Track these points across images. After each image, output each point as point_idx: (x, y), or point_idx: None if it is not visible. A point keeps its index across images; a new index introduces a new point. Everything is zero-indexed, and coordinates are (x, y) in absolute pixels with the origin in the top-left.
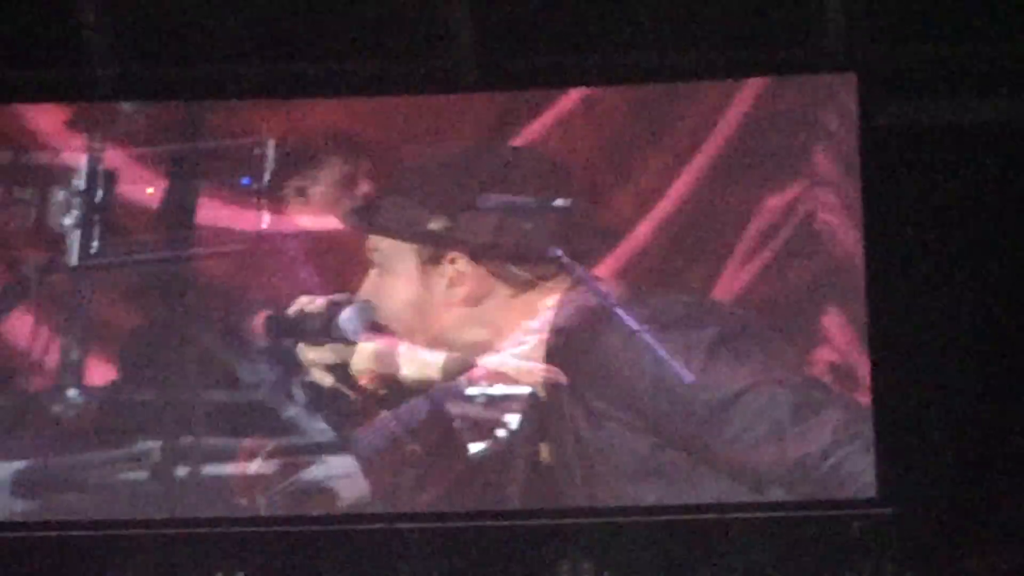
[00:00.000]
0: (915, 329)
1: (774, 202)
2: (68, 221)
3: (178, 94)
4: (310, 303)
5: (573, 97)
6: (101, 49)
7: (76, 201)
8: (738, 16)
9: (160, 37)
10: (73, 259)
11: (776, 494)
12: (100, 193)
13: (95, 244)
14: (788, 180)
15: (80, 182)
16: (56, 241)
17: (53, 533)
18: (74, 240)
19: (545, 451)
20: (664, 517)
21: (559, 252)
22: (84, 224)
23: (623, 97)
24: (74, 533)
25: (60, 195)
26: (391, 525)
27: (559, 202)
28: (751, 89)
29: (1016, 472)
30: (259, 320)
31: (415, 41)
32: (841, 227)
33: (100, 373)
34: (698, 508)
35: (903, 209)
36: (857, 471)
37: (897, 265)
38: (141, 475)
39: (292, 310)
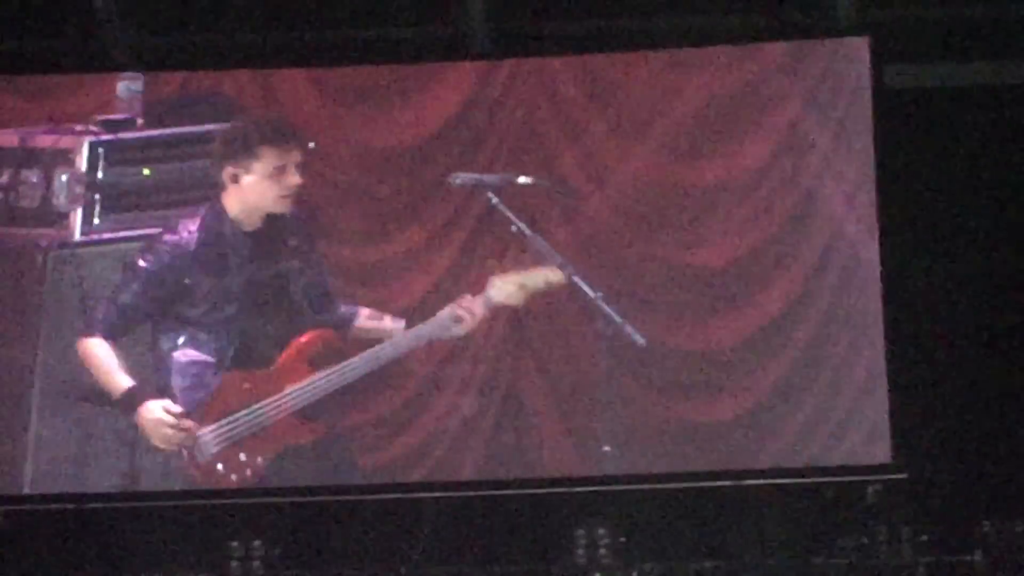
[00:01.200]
0: (929, 294)
1: (752, 166)
2: (70, 201)
3: (187, 64)
4: None
5: (549, 66)
6: (112, 19)
7: (78, 182)
8: None
9: (173, 6)
10: (76, 235)
11: (743, 462)
12: (100, 174)
13: (97, 221)
14: (768, 143)
15: (82, 163)
16: (60, 219)
17: (69, 506)
18: (76, 218)
19: (505, 420)
20: (680, 484)
21: (522, 225)
22: (87, 203)
23: (615, 64)
24: (92, 506)
25: (63, 176)
26: (407, 494)
27: (522, 179)
28: (730, 55)
29: None
30: None
31: (425, 8)
32: (827, 193)
33: None
34: (714, 475)
35: (916, 172)
36: (837, 438)
37: (910, 228)
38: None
39: None
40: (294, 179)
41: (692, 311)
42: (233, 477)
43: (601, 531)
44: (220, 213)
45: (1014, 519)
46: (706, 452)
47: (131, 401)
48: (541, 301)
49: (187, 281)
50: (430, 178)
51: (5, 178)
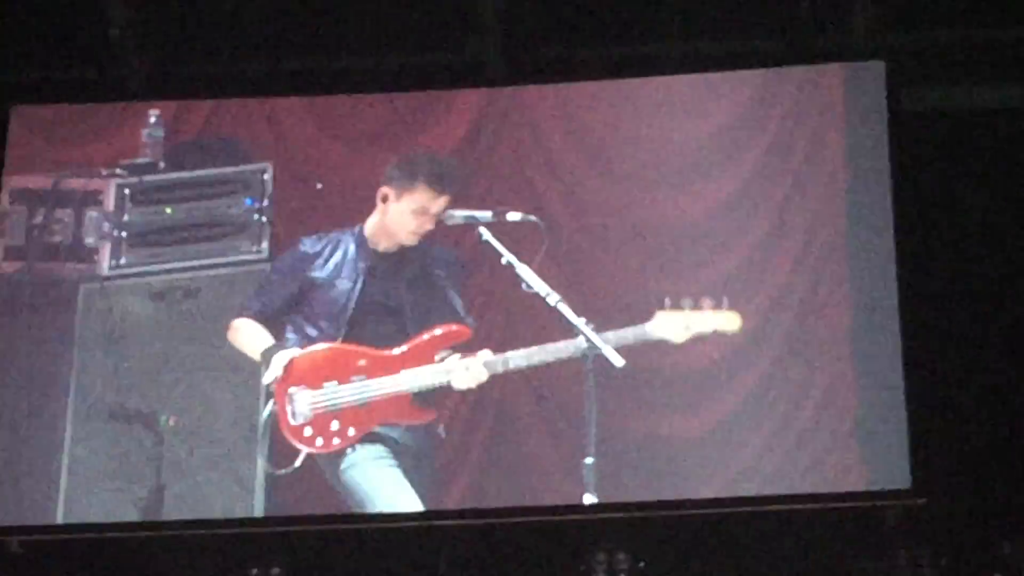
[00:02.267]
0: (946, 318)
1: (725, 196)
2: (99, 238)
3: (205, 93)
4: None
5: (533, 106)
6: (129, 49)
7: (106, 220)
8: (764, 6)
9: (189, 35)
10: (104, 269)
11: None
12: (126, 214)
13: (123, 258)
14: (743, 171)
15: (109, 203)
16: (90, 254)
17: (88, 535)
18: (104, 254)
19: (494, 444)
20: (700, 510)
21: (511, 257)
22: (113, 240)
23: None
24: (110, 535)
25: (93, 215)
26: (427, 522)
27: (511, 216)
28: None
29: None
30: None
31: (441, 34)
32: (795, 215)
33: None
34: (733, 500)
35: (931, 197)
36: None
37: (926, 253)
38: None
39: None
40: (427, 224)
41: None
42: (319, 442)
43: (620, 556)
44: (359, 228)
45: None
46: (680, 465)
47: (269, 356)
48: (529, 328)
49: (309, 275)
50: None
51: (39, 217)
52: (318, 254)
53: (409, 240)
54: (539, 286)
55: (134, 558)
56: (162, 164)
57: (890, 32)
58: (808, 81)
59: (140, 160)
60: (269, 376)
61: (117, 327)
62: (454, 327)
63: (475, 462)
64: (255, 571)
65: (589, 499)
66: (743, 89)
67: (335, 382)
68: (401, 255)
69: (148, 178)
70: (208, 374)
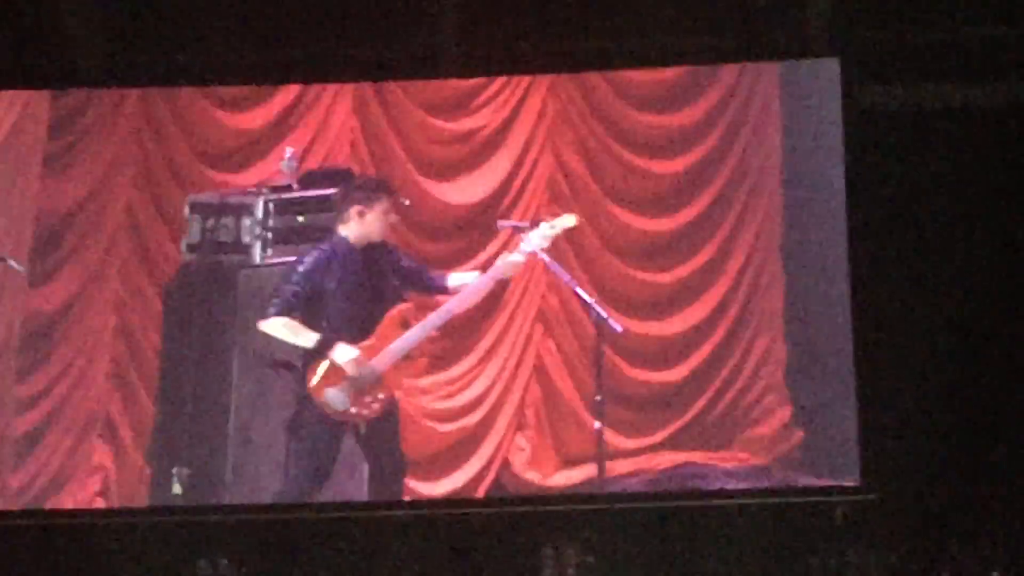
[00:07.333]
0: (898, 315)
1: (691, 213)
2: (252, 237)
3: (159, 80)
4: None
5: (558, 138)
6: (83, 36)
7: (257, 225)
8: (722, 1)
9: (143, 24)
10: (256, 259)
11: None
12: (271, 220)
13: (269, 251)
14: (702, 186)
15: (259, 213)
16: (246, 249)
17: (35, 522)
18: (256, 249)
19: (532, 383)
20: (647, 504)
21: (544, 256)
22: (262, 239)
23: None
24: (59, 522)
25: (247, 221)
26: (374, 513)
27: (544, 223)
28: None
29: (996, 460)
30: None
31: (398, 26)
32: (745, 219)
33: None
34: (682, 495)
35: (884, 192)
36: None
37: (879, 250)
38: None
39: None
40: (392, 220)
41: (651, 312)
42: (365, 413)
43: (570, 551)
44: (342, 237)
45: (981, 539)
46: (662, 403)
47: (325, 345)
48: (557, 304)
49: (322, 280)
50: (486, 223)
51: (210, 222)
52: (325, 262)
53: (380, 236)
54: (563, 274)
55: (83, 550)
56: (295, 185)
57: (846, 30)
58: (759, 78)
59: (279, 183)
60: (346, 356)
61: (266, 301)
62: (404, 305)
63: (518, 399)
64: (203, 563)
65: (597, 425)
66: (698, 89)
67: (345, 377)
68: (373, 249)
69: (285, 195)
70: None
